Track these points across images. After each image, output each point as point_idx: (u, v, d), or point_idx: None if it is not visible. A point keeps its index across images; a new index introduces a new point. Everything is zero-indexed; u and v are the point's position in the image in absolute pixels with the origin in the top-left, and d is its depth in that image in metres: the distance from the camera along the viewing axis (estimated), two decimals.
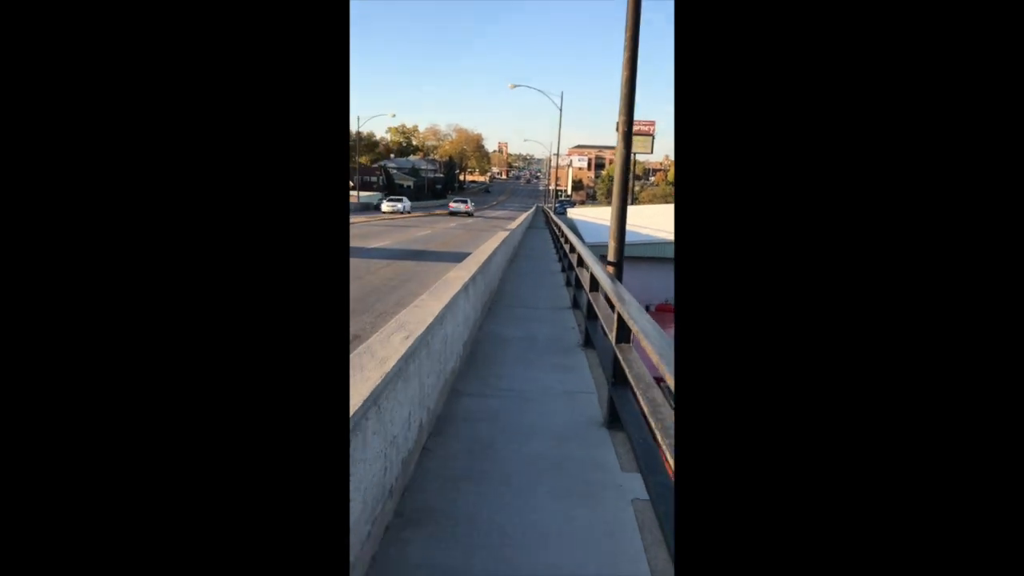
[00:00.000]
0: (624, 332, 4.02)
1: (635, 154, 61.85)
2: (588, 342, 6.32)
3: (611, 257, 6.99)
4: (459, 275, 5.92)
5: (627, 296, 4.15)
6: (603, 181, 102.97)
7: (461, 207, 42.00)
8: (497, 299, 9.12)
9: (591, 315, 6.32)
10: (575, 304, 8.67)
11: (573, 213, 42.07)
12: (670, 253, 24.58)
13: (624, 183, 6.74)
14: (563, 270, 13.04)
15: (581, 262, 8.53)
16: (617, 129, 6.72)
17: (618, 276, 6.81)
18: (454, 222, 33.86)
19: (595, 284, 6.32)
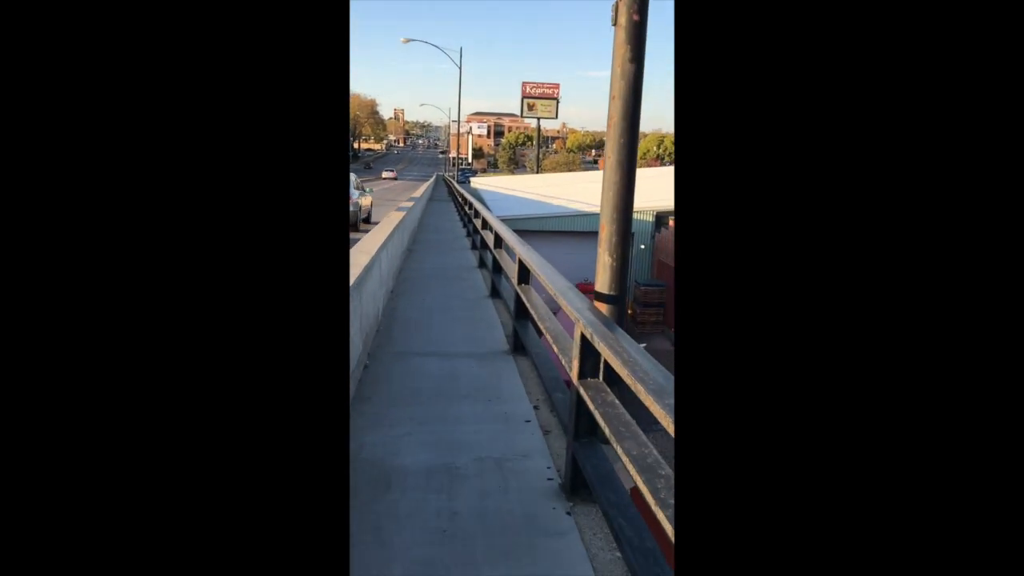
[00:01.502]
0: None
1: (539, 118, 59.14)
2: (577, 482, 2.88)
3: (600, 285, 3.53)
4: None
5: None
6: (504, 149, 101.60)
7: (389, 175, 61.66)
8: (383, 341, 5.46)
9: (582, 428, 2.88)
10: (517, 346, 5.16)
11: (477, 182, 40.53)
12: (580, 226, 23.63)
13: (632, 138, 3.28)
14: (480, 265, 9.52)
15: (525, 275, 5.03)
16: (614, 22, 3.23)
17: (618, 320, 3.39)
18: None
19: (585, 354, 2.87)
